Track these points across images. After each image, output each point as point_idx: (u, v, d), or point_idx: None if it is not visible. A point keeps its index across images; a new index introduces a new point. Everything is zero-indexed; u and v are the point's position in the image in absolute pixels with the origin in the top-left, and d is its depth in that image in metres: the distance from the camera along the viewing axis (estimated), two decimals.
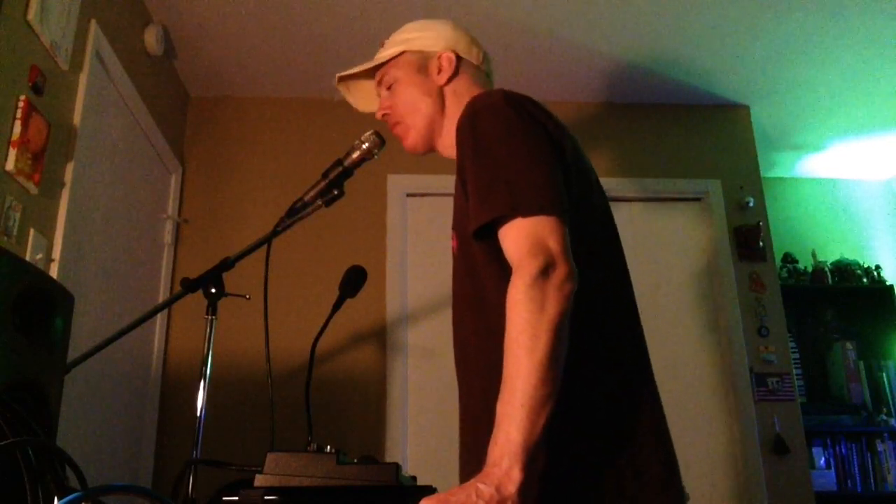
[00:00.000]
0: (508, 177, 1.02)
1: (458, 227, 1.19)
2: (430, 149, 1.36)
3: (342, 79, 1.44)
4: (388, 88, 1.35)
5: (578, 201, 1.10)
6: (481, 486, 0.85)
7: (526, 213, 0.99)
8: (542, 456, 0.96)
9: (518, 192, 1.01)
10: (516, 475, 0.85)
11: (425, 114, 1.32)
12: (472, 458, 1.00)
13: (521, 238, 0.99)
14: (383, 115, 1.37)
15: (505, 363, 0.93)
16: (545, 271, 0.95)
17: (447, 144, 1.32)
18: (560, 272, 0.95)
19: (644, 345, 1.16)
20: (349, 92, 1.47)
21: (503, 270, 1.02)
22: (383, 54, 1.36)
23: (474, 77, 1.35)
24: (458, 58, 1.33)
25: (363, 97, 1.47)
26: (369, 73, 1.42)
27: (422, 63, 1.33)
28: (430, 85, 1.32)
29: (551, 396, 0.90)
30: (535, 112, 1.12)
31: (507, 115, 1.09)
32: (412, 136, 1.34)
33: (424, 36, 1.35)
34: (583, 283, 0.99)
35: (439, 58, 1.33)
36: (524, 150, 1.06)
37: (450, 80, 1.32)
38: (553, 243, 0.97)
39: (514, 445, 0.87)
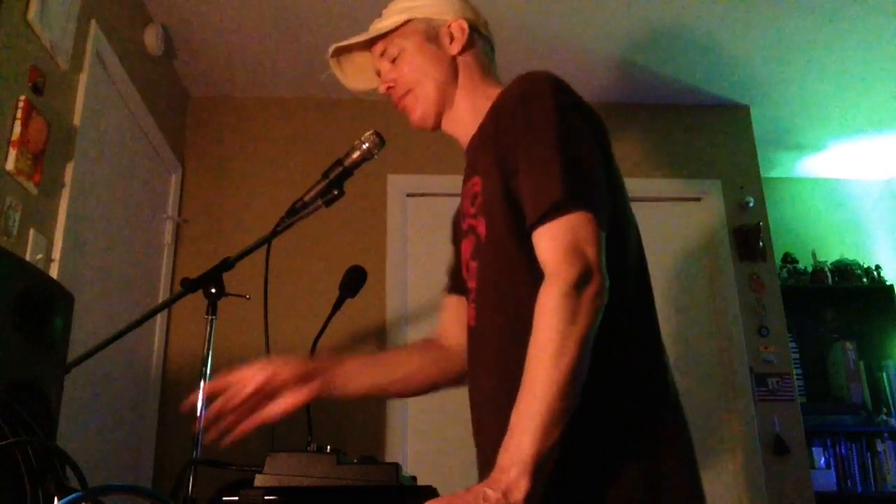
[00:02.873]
0: (573, 168, 0.99)
1: (487, 210, 1.12)
2: (438, 123, 1.26)
3: (335, 54, 1.33)
4: (393, 61, 1.25)
5: (616, 202, 1.07)
6: (489, 490, 0.83)
7: (574, 207, 0.96)
8: (554, 458, 0.93)
9: (578, 185, 0.97)
10: (524, 485, 0.83)
11: (437, 81, 1.22)
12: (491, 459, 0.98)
13: (558, 240, 0.95)
14: (388, 89, 1.26)
15: (526, 370, 0.90)
16: (581, 282, 0.92)
17: (456, 119, 1.25)
18: (595, 284, 0.93)
19: (666, 353, 1.12)
20: (340, 69, 1.36)
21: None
22: (385, 23, 1.25)
23: (486, 51, 1.28)
24: (471, 27, 1.25)
25: (356, 74, 1.36)
26: (365, 47, 1.31)
27: (431, 32, 1.23)
28: (442, 54, 1.23)
29: (567, 412, 0.88)
30: (586, 107, 1.09)
31: (571, 104, 1.06)
32: (421, 108, 1.23)
33: (430, 3, 1.25)
34: (618, 288, 0.96)
35: (449, 26, 1.24)
36: (585, 145, 1.03)
37: (463, 50, 1.24)
38: (590, 250, 0.94)
39: (525, 455, 0.85)
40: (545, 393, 0.87)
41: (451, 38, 1.24)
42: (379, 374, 1.26)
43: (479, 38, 1.27)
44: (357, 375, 1.22)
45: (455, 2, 1.27)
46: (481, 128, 1.20)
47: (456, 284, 1.35)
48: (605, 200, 1.01)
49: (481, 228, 1.13)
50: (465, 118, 1.23)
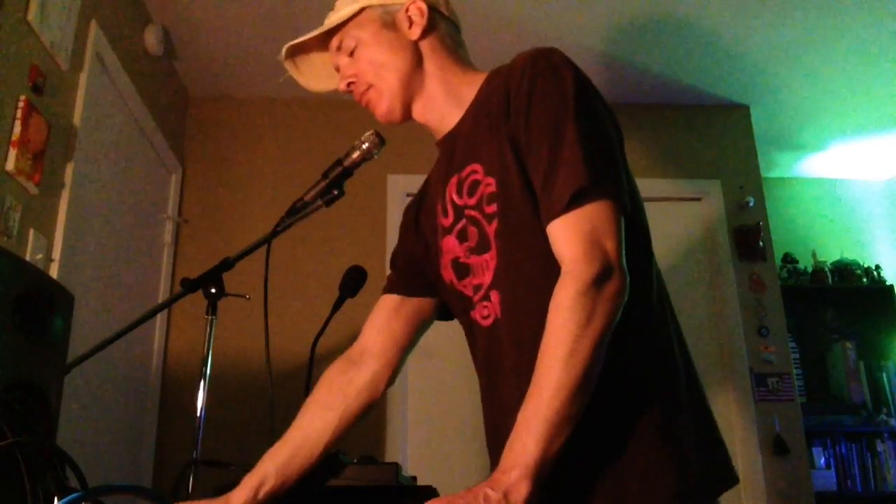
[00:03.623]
0: (595, 152, 0.95)
1: (503, 199, 1.03)
2: (408, 115, 1.18)
3: (289, 54, 1.23)
4: (351, 54, 1.15)
5: (632, 188, 1.05)
6: (489, 491, 0.81)
7: (596, 196, 0.92)
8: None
9: (601, 171, 0.93)
10: (525, 487, 0.81)
11: (399, 70, 1.13)
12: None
13: (577, 232, 0.91)
14: (349, 85, 1.17)
15: (536, 370, 0.87)
16: (600, 279, 0.88)
17: (430, 107, 1.16)
18: (614, 283, 0.89)
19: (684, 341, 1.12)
20: (297, 69, 1.26)
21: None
22: (338, 15, 1.16)
23: (451, 33, 1.18)
24: (431, 8, 1.15)
25: (315, 73, 1.26)
26: (322, 44, 1.21)
27: (388, 18, 1.14)
28: (402, 41, 1.14)
29: (576, 417, 0.85)
30: (599, 92, 1.06)
31: (590, 85, 1.02)
32: (385, 102, 1.15)
33: None
34: (640, 282, 0.95)
35: (407, 9, 1.14)
36: (606, 127, 1.00)
37: (424, 33, 1.14)
38: (611, 245, 0.91)
39: (529, 458, 0.83)
40: (554, 398, 0.84)
41: (410, 23, 1.14)
42: (306, 457, 1.13)
43: (440, 18, 1.17)
44: (287, 479, 1.10)
45: None
46: (476, 106, 1.12)
47: (401, 282, 1.28)
48: (625, 184, 0.98)
49: (494, 221, 1.04)
50: (441, 105, 1.15)
